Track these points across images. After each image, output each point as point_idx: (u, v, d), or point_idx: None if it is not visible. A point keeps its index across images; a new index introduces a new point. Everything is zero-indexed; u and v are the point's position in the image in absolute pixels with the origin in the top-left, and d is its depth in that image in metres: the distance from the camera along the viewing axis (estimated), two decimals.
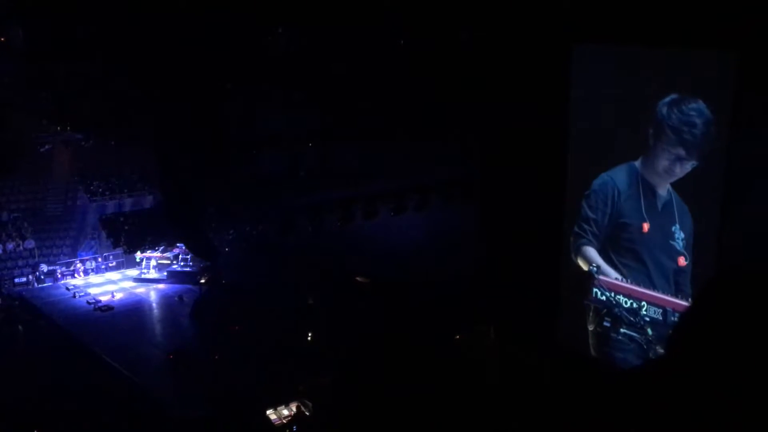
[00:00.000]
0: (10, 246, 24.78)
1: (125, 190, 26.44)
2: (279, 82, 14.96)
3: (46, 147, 24.72)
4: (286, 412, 14.14)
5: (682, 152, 10.83)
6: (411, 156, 16.09)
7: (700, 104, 10.40)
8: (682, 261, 11.16)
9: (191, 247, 21.33)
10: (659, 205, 11.39)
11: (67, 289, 23.79)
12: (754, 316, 1.07)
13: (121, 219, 21.83)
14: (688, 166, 10.86)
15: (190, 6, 13.28)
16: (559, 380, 12.53)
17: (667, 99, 10.71)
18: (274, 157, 17.53)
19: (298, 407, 14.09)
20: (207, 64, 13.77)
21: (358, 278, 18.02)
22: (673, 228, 11.20)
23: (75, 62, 15.82)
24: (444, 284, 15.47)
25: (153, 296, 23.16)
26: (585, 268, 12.42)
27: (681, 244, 11.13)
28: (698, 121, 10.46)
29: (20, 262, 24.84)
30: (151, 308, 22.24)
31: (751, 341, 1.05)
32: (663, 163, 11.11)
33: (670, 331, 1.23)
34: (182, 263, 24.57)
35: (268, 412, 14.16)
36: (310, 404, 14.23)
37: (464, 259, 15.22)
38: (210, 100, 14.67)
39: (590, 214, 12.26)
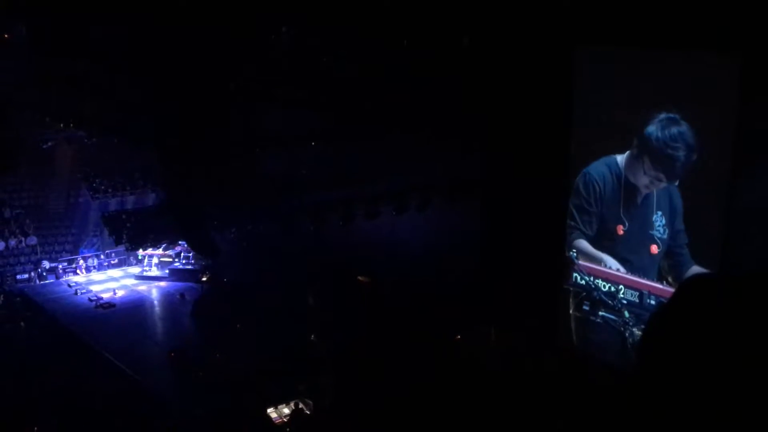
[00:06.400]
0: (13, 242, 24.81)
1: (128, 188, 26.46)
2: (281, 82, 14.97)
3: (49, 144, 24.73)
4: (286, 410, 14.18)
5: (662, 177, 11.13)
6: (413, 155, 16.08)
7: (684, 128, 10.48)
8: (654, 249, 11.34)
9: (193, 245, 21.34)
10: (639, 200, 11.55)
11: (69, 286, 23.83)
12: (729, 318, 1.08)
13: (124, 216, 21.78)
14: (664, 185, 11.11)
15: (192, 5, 13.30)
16: (559, 380, 12.55)
17: (655, 120, 10.79)
18: (276, 156, 17.54)
19: (298, 406, 14.11)
20: (210, 63, 13.79)
21: (359, 278, 18.02)
22: (654, 218, 11.34)
23: (78, 60, 15.87)
24: (445, 284, 15.47)
25: (154, 294, 23.21)
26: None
27: (661, 231, 11.25)
28: (681, 153, 10.61)
29: (22, 259, 24.88)
30: (152, 306, 22.28)
31: (727, 344, 1.06)
32: (643, 179, 11.35)
33: (644, 331, 1.24)
34: (184, 261, 24.62)
35: (268, 410, 14.19)
36: (310, 403, 14.26)
37: (466, 259, 15.21)
38: (212, 99, 14.69)
39: (576, 212, 12.44)
